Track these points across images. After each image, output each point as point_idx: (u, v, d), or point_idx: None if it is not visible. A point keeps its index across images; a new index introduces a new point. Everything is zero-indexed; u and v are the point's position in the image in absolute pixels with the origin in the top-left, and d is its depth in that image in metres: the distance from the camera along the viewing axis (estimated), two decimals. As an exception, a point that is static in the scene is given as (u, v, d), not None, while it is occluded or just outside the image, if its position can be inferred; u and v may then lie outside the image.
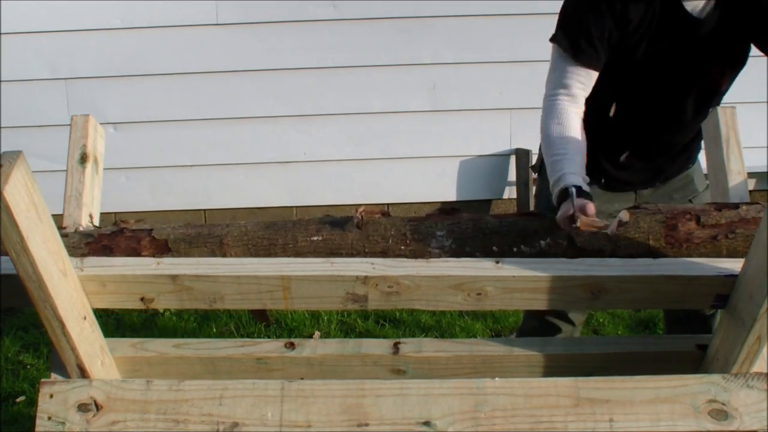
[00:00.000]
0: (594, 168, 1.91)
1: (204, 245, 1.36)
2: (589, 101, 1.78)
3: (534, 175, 3.83)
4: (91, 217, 1.45)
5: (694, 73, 1.77)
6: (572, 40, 1.73)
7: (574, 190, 1.53)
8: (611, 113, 1.87)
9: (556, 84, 1.76)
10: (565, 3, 1.80)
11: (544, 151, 1.74)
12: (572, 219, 1.44)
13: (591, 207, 1.49)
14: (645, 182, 2.01)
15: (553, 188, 1.65)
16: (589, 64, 1.73)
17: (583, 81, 1.75)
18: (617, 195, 1.99)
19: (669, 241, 1.36)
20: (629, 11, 1.68)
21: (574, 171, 1.63)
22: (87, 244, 1.36)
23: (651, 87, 1.81)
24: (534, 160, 3.83)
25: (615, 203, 1.94)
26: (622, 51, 1.74)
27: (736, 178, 1.52)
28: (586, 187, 1.59)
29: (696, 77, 1.77)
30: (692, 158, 2.02)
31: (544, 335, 2.10)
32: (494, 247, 1.36)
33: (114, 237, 1.37)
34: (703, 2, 1.68)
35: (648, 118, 1.86)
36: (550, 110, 1.75)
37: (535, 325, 2.13)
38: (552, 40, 1.78)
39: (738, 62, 1.78)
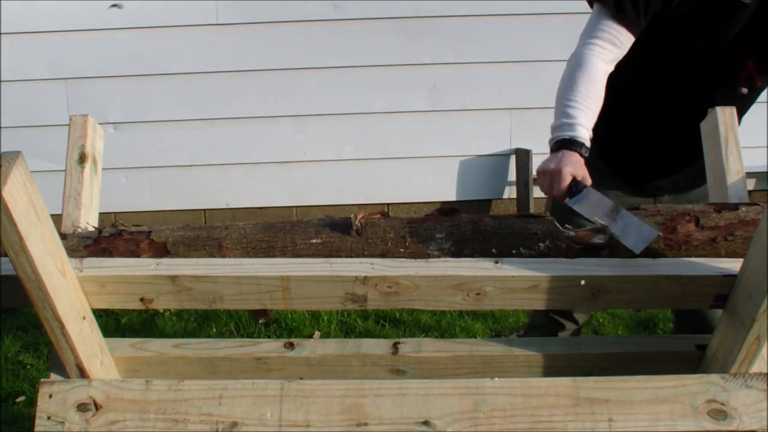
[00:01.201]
0: (617, 169, 1.89)
1: (203, 248, 1.36)
2: (617, 83, 1.72)
3: (534, 175, 3.84)
4: (87, 224, 1.45)
5: (725, 68, 1.72)
6: (628, 3, 1.65)
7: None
8: (635, 98, 1.83)
9: (591, 36, 1.69)
10: None
11: (562, 92, 1.66)
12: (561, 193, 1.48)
13: (587, 175, 1.51)
14: (667, 187, 1.99)
15: (558, 127, 1.60)
16: (628, 25, 1.66)
17: (619, 40, 1.67)
18: (635, 200, 1.97)
19: (668, 244, 1.35)
20: None
21: (584, 122, 1.57)
22: (86, 246, 1.36)
23: (683, 76, 1.76)
24: (536, 159, 3.83)
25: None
26: (661, 27, 1.69)
27: (735, 178, 1.51)
28: (590, 145, 1.57)
29: (727, 72, 1.73)
30: None
31: (550, 330, 2.15)
32: (493, 250, 1.36)
33: (113, 239, 1.37)
34: None
35: (676, 107, 1.82)
36: (579, 57, 1.67)
37: (542, 321, 2.17)
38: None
39: None
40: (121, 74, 3.80)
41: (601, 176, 1.96)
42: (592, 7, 1.75)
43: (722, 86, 1.76)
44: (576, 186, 1.49)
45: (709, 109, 1.60)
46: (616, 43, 1.67)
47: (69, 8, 3.70)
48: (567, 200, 1.51)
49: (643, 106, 1.87)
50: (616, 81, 1.72)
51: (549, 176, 1.54)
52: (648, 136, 1.91)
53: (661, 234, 1.35)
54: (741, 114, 1.75)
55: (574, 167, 1.53)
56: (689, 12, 1.68)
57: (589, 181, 1.52)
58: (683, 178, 1.99)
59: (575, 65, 1.66)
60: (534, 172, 3.83)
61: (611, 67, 1.70)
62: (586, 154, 1.57)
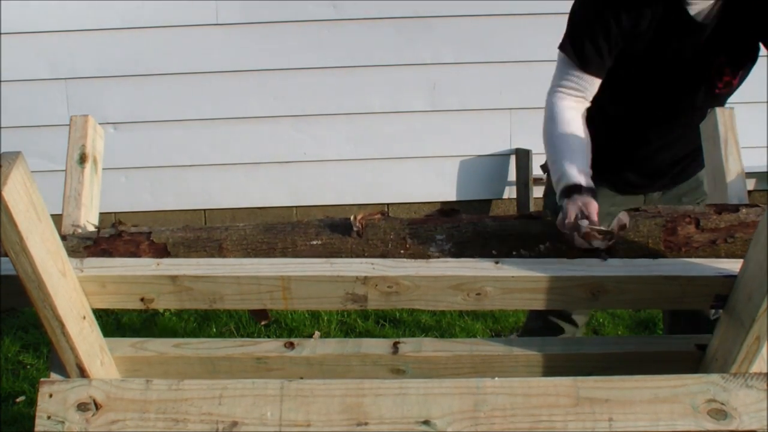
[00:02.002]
0: (604, 169, 1.91)
1: (203, 249, 1.36)
2: (596, 104, 1.79)
3: (534, 175, 3.84)
4: (87, 223, 1.45)
5: (700, 75, 1.77)
6: (579, 48, 1.74)
7: (578, 187, 1.54)
8: (616, 115, 1.88)
9: (558, 85, 1.78)
10: (572, 11, 1.81)
11: (546, 152, 1.74)
12: (574, 225, 1.42)
13: (594, 206, 1.48)
14: (655, 185, 2.00)
15: (555, 187, 1.65)
16: (593, 72, 1.74)
17: (586, 86, 1.76)
18: (626, 198, 1.99)
19: (668, 246, 1.35)
20: (634, 19, 1.69)
21: (574, 168, 1.62)
22: (86, 248, 1.36)
23: (657, 90, 1.81)
24: (536, 159, 3.83)
25: (622, 206, 1.94)
26: (627, 57, 1.75)
27: (735, 178, 1.51)
28: (589, 183, 1.58)
29: (703, 79, 1.78)
30: (702, 162, 2.02)
31: (547, 335, 2.10)
32: (493, 251, 1.36)
33: (113, 241, 1.36)
34: (709, 6, 1.68)
35: (656, 119, 1.86)
36: (550, 110, 1.76)
37: (539, 326, 2.13)
38: (560, 47, 1.80)
39: (745, 61, 1.78)
40: (121, 74, 3.80)
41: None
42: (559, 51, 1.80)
43: (699, 93, 1.80)
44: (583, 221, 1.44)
45: (709, 110, 1.60)
46: (581, 89, 1.76)
47: (69, 8, 3.70)
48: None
49: (627, 115, 1.90)
50: (600, 94, 1.78)
51: (562, 227, 1.48)
52: (633, 144, 1.94)
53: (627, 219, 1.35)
54: (721, 104, 1.81)
55: (575, 207, 1.50)
56: (652, 39, 1.73)
57: (594, 216, 1.48)
58: (672, 177, 2.00)
59: (548, 119, 1.75)
60: (534, 172, 3.84)
61: (584, 105, 1.78)
62: (589, 184, 1.59)
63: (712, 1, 1.66)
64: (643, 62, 1.77)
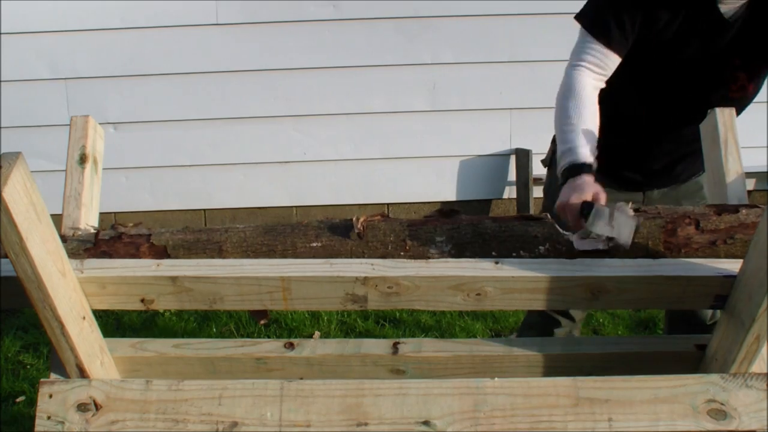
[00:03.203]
0: (607, 167, 1.92)
1: (203, 251, 1.36)
2: (611, 100, 1.77)
3: (534, 175, 3.84)
4: (87, 225, 1.45)
5: (717, 76, 1.76)
6: (599, 19, 1.72)
7: (585, 177, 1.55)
8: (631, 114, 1.87)
9: (580, 59, 1.74)
10: None
11: (557, 122, 1.72)
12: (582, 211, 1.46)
13: (603, 196, 1.50)
14: (656, 182, 2.00)
15: (560, 158, 1.64)
16: (613, 47, 1.71)
17: (608, 62, 1.73)
18: (625, 195, 1.99)
19: (668, 247, 1.35)
20: (661, 8, 1.68)
21: (584, 145, 1.61)
22: (86, 250, 1.36)
23: (674, 88, 1.80)
24: (536, 159, 3.83)
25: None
26: (648, 48, 1.73)
27: (735, 178, 1.51)
28: (594, 163, 1.60)
29: (719, 81, 1.77)
30: (702, 164, 2.02)
31: (546, 327, 2.16)
32: (493, 253, 1.36)
33: (113, 243, 1.36)
34: (739, 5, 1.67)
35: (671, 120, 1.86)
36: (567, 82, 1.73)
37: (537, 320, 2.18)
38: (577, 17, 1.76)
39: (761, 66, 1.77)
40: (121, 74, 3.80)
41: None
42: (579, 22, 1.78)
43: (714, 95, 1.79)
44: (588, 208, 1.46)
45: (709, 110, 1.60)
46: (602, 64, 1.73)
47: (69, 8, 3.70)
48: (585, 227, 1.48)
49: (638, 112, 1.89)
50: (611, 88, 1.77)
51: (564, 211, 1.56)
52: (640, 141, 1.93)
53: (640, 221, 1.35)
54: (739, 111, 1.76)
55: (580, 193, 1.54)
56: (676, 31, 1.71)
57: (601, 198, 1.52)
58: (672, 176, 2.00)
59: (566, 91, 1.72)
60: (534, 172, 3.84)
61: (601, 84, 1.75)
62: (592, 171, 1.60)
63: (743, 1, 1.65)
64: (664, 57, 1.75)
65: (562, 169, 1.62)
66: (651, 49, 1.74)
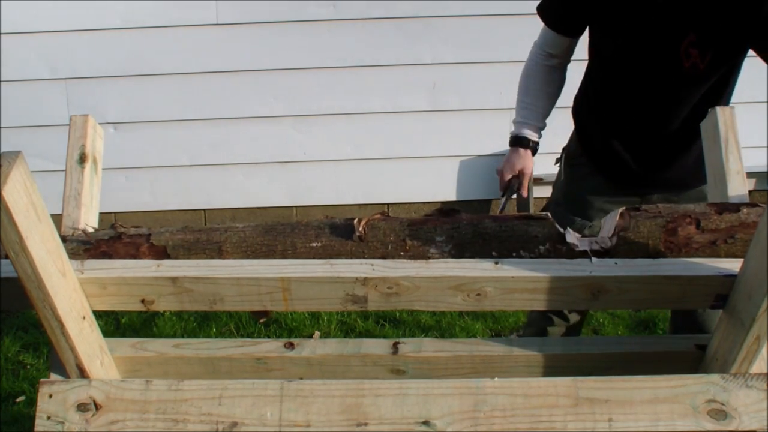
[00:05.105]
0: (605, 156, 1.95)
1: (203, 252, 1.36)
2: (593, 80, 2.01)
3: (534, 175, 3.83)
4: (87, 226, 1.45)
5: (673, 48, 1.79)
6: (546, 4, 1.99)
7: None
8: (606, 87, 2.00)
9: (535, 44, 2.08)
10: None
11: (517, 97, 2.11)
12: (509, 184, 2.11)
13: (528, 171, 2.11)
14: (650, 181, 2.00)
15: (511, 127, 2.13)
16: (558, 29, 1.98)
17: (556, 41, 2.00)
18: (623, 199, 2.00)
19: (668, 246, 1.35)
20: None
21: (529, 121, 2.05)
22: (86, 251, 1.35)
23: (632, 60, 1.87)
24: (536, 159, 3.82)
25: (617, 206, 1.94)
26: (606, 30, 1.88)
27: (735, 178, 1.51)
28: (535, 137, 2.08)
29: (675, 52, 1.79)
30: (704, 177, 2.03)
31: (541, 324, 2.27)
32: (494, 252, 1.36)
33: (112, 243, 1.36)
34: None
35: (639, 93, 1.91)
36: (526, 63, 2.11)
37: (536, 316, 2.30)
38: (537, 8, 2.04)
39: (720, 46, 1.77)
40: (121, 74, 3.80)
41: (584, 172, 2.03)
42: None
43: (668, 70, 1.82)
44: (510, 190, 2.08)
45: (709, 109, 1.60)
46: (552, 44, 2.03)
47: (69, 8, 3.70)
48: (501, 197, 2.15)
49: (612, 100, 1.98)
50: (591, 81, 2.02)
51: (499, 175, 2.17)
52: (620, 129, 1.98)
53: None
54: (717, 99, 1.86)
55: (513, 166, 2.12)
56: (627, 16, 1.82)
57: (526, 174, 2.13)
58: (670, 179, 2.00)
59: (523, 70, 2.13)
60: (534, 173, 3.83)
61: (554, 62, 2.05)
62: (532, 146, 2.09)
63: None
64: (620, 33, 1.84)
65: (510, 137, 2.09)
66: (608, 28, 1.86)
